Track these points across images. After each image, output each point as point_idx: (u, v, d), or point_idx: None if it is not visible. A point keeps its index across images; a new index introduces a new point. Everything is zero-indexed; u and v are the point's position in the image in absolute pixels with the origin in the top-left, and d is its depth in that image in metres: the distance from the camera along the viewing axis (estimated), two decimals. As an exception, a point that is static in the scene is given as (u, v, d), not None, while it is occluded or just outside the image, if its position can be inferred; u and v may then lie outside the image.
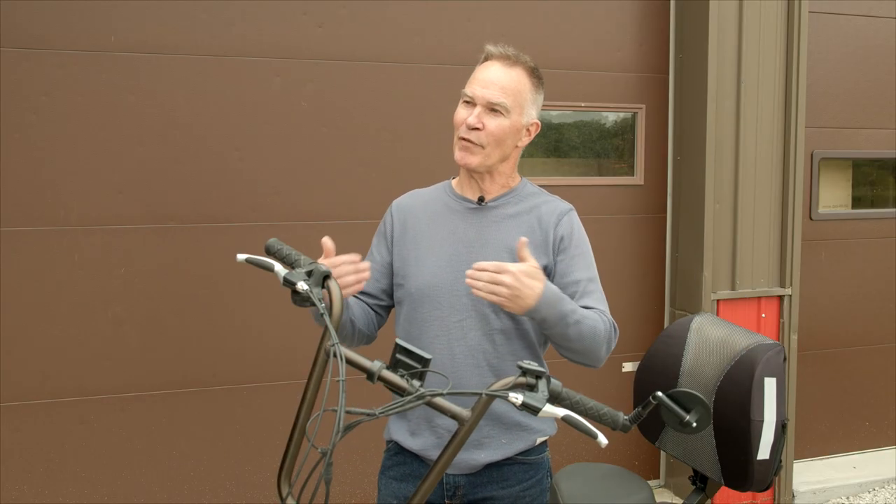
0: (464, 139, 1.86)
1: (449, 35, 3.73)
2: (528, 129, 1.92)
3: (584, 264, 1.89)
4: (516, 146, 1.92)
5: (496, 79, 1.85)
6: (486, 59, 1.91)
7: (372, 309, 2.00)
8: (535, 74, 1.91)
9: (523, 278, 1.66)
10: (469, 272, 1.69)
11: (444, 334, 1.86)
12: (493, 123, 1.85)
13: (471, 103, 1.87)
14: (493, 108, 1.85)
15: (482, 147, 1.86)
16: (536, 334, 1.90)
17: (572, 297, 1.84)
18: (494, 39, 1.97)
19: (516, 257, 1.84)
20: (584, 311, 1.79)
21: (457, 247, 1.90)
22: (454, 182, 2.01)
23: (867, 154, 4.54)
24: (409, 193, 2.06)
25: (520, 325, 1.87)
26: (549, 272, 1.88)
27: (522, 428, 1.89)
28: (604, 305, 1.87)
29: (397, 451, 1.96)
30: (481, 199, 1.93)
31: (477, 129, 1.85)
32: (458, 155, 1.88)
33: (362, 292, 1.99)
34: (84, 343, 3.35)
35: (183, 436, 3.50)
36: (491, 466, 1.88)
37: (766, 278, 4.05)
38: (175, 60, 3.39)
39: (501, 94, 1.84)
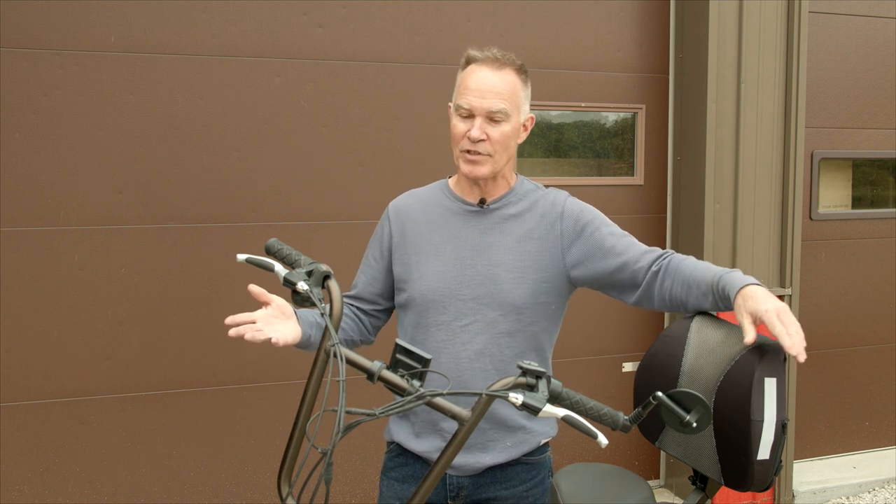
0: (469, 152, 1.81)
1: (449, 35, 3.73)
2: (524, 126, 1.89)
3: (609, 224, 1.89)
4: (517, 144, 1.89)
5: (490, 85, 1.79)
6: (468, 64, 1.84)
7: (367, 314, 1.99)
8: (522, 71, 1.86)
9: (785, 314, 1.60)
10: (793, 339, 1.55)
11: (450, 339, 1.84)
12: (496, 132, 1.80)
13: (468, 115, 1.81)
14: (493, 118, 1.79)
15: (490, 156, 1.81)
16: (545, 335, 1.89)
17: (637, 255, 1.82)
18: (480, 44, 1.91)
19: (518, 256, 1.84)
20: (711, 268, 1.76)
21: (460, 251, 1.86)
22: (451, 182, 1.96)
23: (867, 154, 4.53)
24: (405, 194, 2.01)
25: (526, 328, 1.85)
26: (560, 267, 1.86)
27: (526, 431, 1.88)
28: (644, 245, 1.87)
29: (399, 453, 1.94)
30: (482, 202, 1.89)
31: (482, 140, 1.80)
32: (467, 168, 1.82)
33: (358, 297, 1.99)
34: (84, 343, 3.35)
35: (183, 436, 3.50)
36: (494, 467, 1.88)
37: (766, 278, 4.04)
38: (175, 60, 3.39)
39: (499, 100, 1.78)
